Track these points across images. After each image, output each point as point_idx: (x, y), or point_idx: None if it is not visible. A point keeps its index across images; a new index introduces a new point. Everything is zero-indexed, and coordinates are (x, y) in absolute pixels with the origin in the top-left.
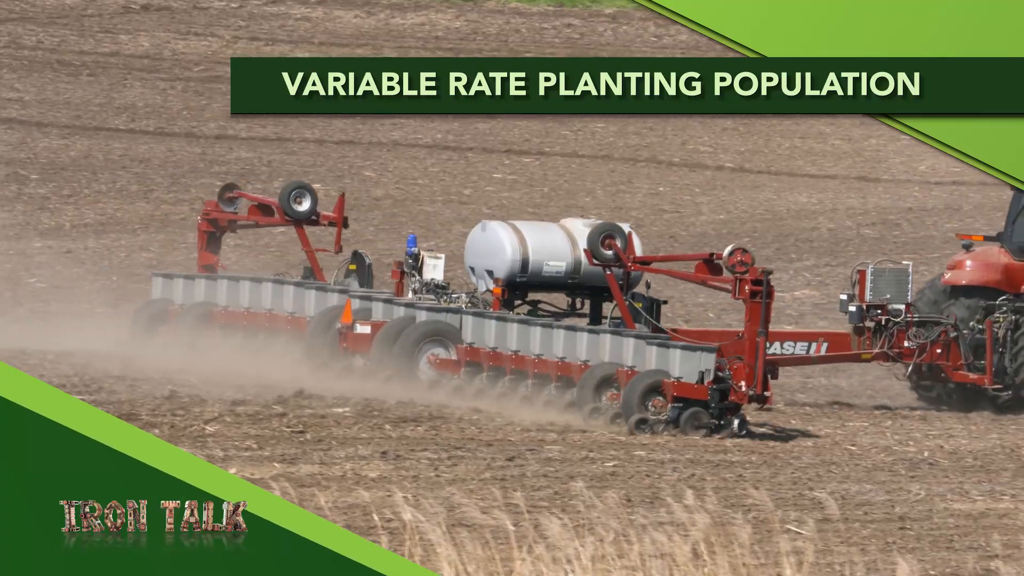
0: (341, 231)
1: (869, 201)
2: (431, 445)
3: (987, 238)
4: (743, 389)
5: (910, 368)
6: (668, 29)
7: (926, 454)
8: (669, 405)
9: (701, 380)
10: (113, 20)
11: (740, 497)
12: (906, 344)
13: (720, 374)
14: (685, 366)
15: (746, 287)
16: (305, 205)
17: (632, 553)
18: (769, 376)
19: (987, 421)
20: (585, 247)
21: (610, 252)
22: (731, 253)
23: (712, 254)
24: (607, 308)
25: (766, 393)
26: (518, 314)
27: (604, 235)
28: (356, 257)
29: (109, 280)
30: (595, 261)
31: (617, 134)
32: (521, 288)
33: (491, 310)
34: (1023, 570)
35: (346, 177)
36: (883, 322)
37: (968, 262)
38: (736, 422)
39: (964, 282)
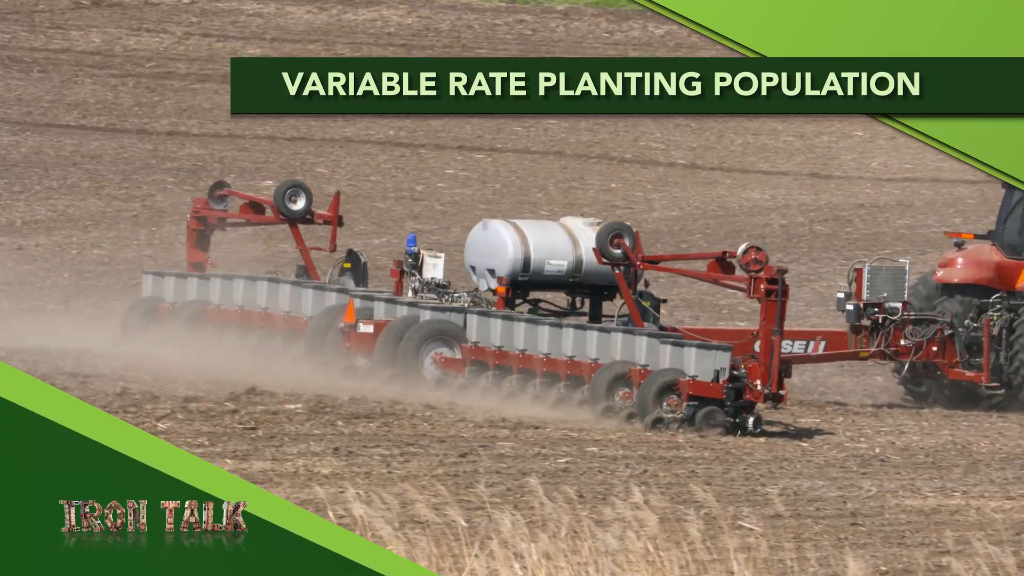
0: (336, 230)
1: (821, 198)
2: (383, 442)
3: (977, 236)
4: (759, 388)
5: (905, 367)
6: (620, 25)
7: (878, 450)
8: (684, 404)
9: (716, 379)
10: (64, 16)
11: (692, 493)
12: (902, 342)
13: (735, 372)
14: (700, 365)
15: (761, 285)
16: (300, 204)
17: (583, 549)
18: (783, 375)
19: (938, 418)
20: (593, 246)
21: (619, 251)
22: (745, 251)
23: (725, 252)
24: (608, 307)
25: (781, 392)
26: (521, 313)
27: (613, 234)
28: (351, 255)
29: (60, 277)
30: (604, 260)
31: (569, 130)
32: (523, 287)
33: (495, 309)
34: (974, 566)
35: (298, 173)
36: (880, 320)
37: (960, 260)
38: (751, 420)
39: (956, 280)
